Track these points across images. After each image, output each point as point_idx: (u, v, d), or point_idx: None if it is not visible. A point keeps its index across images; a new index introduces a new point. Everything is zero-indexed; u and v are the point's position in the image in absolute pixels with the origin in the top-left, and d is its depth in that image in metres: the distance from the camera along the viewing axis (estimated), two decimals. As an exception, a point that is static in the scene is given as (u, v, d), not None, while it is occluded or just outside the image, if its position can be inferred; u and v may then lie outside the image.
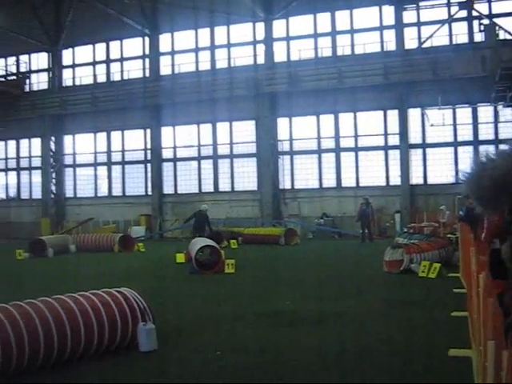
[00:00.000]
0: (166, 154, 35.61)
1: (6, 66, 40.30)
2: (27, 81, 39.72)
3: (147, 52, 35.92)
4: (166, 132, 35.47)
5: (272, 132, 32.49)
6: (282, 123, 32.88)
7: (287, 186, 32.89)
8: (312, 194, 32.19)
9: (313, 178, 32.41)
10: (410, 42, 30.42)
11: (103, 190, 37.73)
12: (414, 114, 30.37)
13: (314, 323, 9.24)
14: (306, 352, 7.54)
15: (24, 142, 39.96)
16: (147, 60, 35.98)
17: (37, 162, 39.19)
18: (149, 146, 35.84)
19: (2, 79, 39.42)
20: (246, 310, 10.53)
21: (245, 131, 33.63)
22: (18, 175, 40.40)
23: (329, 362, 7.04)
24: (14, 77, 39.89)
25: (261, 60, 32.99)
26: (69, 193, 38.70)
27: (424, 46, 29.94)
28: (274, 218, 31.74)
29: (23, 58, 40.03)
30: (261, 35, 32.91)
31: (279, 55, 32.78)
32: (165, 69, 35.53)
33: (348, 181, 31.71)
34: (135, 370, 6.96)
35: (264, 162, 32.42)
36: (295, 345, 7.95)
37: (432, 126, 29.44)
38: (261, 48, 33.02)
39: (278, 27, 32.75)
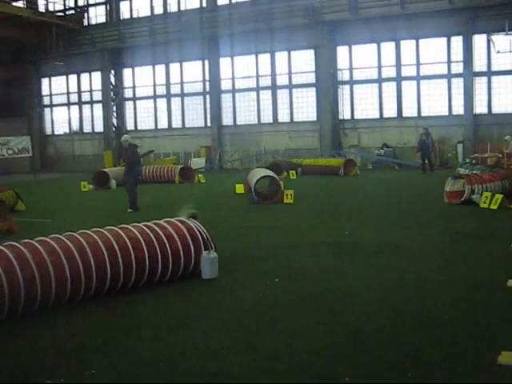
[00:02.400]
0: (225, 85, 35.52)
1: (64, 0, 40.48)
2: (86, 15, 39.88)
3: (203, -18, 35.46)
4: (225, 63, 35.28)
5: (331, 61, 31.94)
6: (342, 52, 32.22)
7: (347, 116, 32.52)
8: (372, 125, 31.77)
9: (373, 108, 31.89)
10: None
11: (163, 123, 38.08)
12: (479, 40, 29.23)
13: (373, 253, 9.29)
14: (364, 280, 7.62)
15: (85, 76, 40.48)
16: (204, -10, 35.55)
17: (98, 96, 39.76)
18: (207, 78, 35.81)
19: (61, 14, 39.64)
20: (305, 239, 10.67)
21: (303, 61, 33.15)
22: (80, 109, 41.14)
23: (387, 291, 7.10)
24: (73, 11, 40.07)
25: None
26: (129, 125, 39.27)
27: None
28: (333, 149, 31.56)
29: (81, -9, 40.12)
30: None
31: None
32: (222, -1, 35.08)
33: (409, 111, 31.10)
34: (199, 297, 7.19)
35: (323, 92, 32.03)
36: (354, 273, 8.05)
37: (498, 52, 28.37)
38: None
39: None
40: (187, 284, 7.68)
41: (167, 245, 7.56)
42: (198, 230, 7.98)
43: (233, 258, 9.05)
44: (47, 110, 42.65)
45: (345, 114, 32.52)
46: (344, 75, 32.42)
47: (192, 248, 7.76)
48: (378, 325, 5.90)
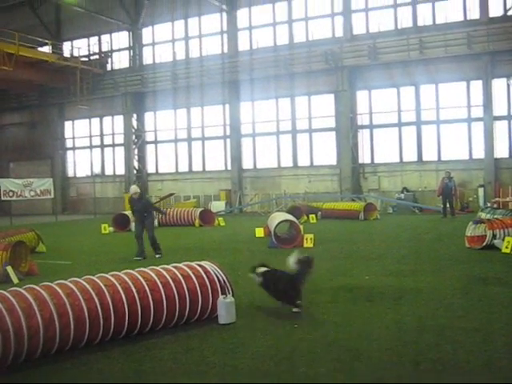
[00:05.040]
0: (245, 129, 35.82)
1: (89, 45, 41.42)
2: (109, 60, 40.71)
3: (225, 28, 36.09)
4: (245, 107, 35.65)
5: (351, 105, 32.15)
6: (361, 96, 32.45)
7: (367, 160, 32.58)
8: (392, 168, 31.76)
9: (393, 152, 31.91)
10: (495, 10, 29.28)
11: (184, 166, 38.35)
12: (498, 84, 29.32)
13: (393, 298, 9.19)
14: (384, 327, 7.51)
15: (107, 120, 41.12)
16: (225, 36, 36.16)
17: (120, 139, 40.29)
18: (228, 122, 36.16)
19: (86, 59, 40.50)
20: (325, 283, 10.58)
21: (323, 105, 33.39)
22: (102, 152, 41.65)
23: (407, 338, 6.99)
24: (97, 56, 40.93)
25: (339, 33, 32.58)
26: (151, 168, 39.63)
27: (510, 13, 28.84)
28: (353, 193, 31.54)
29: (105, 37, 41.06)
30: (339, 7, 32.47)
31: (358, 27, 32.25)
32: (243, 44, 35.60)
33: (429, 154, 31.08)
34: (215, 341, 7.14)
35: (343, 136, 32.19)
36: (373, 320, 7.94)
37: (518, 96, 28.44)
38: (339, 20, 32.60)
39: (356, -1, 32.27)
40: (204, 328, 7.64)
41: (185, 287, 7.56)
42: (216, 274, 7.97)
43: (251, 303, 8.99)
44: (70, 153, 43.23)
45: (364, 157, 32.59)
46: (364, 119, 32.59)
47: (210, 292, 7.75)
48: (397, 373, 5.81)
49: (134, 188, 16.16)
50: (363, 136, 32.66)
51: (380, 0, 31.77)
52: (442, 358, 6.16)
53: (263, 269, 8.86)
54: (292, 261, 8.32)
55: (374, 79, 31.62)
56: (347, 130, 31.95)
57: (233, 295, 7.93)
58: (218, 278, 7.94)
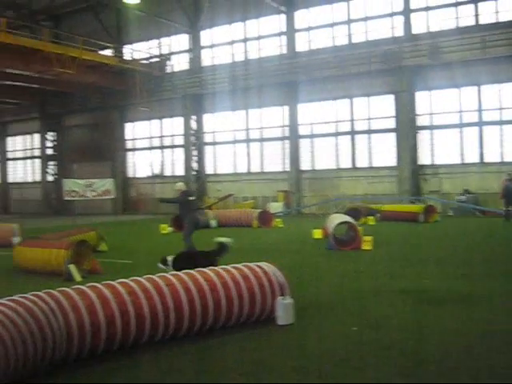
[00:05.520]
0: (303, 130, 35.74)
1: (149, 48, 42.07)
2: (168, 62, 41.24)
3: (283, 29, 36.09)
4: (303, 108, 35.57)
5: (411, 106, 31.67)
6: (421, 97, 31.92)
7: (427, 161, 32.03)
8: (453, 170, 31.11)
9: (454, 153, 31.28)
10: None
11: (242, 167, 38.54)
12: None
13: (456, 303, 9.02)
14: (447, 332, 7.37)
15: (167, 121, 41.68)
16: (283, 37, 36.17)
17: (179, 140, 40.80)
18: (286, 123, 36.14)
19: (146, 62, 41.15)
20: (384, 286, 10.47)
21: (383, 106, 33.01)
22: (162, 153, 42.26)
23: (472, 343, 6.84)
24: (157, 59, 41.52)
25: (399, 32, 32.17)
26: (209, 169, 39.95)
27: None
28: (412, 195, 31.07)
29: (164, 40, 41.63)
30: (399, 7, 32.07)
31: (418, 27, 31.75)
32: (301, 45, 35.54)
33: (491, 156, 30.33)
34: (273, 342, 7.15)
35: (403, 137, 31.76)
36: (436, 324, 7.80)
37: None
38: (398, 20, 32.20)
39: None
40: (263, 329, 7.65)
41: (244, 287, 7.61)
42: (274, 275, 7.99)
43: (309, 304, 8.97)
44: (130, 154, 44.00)
45: (424, 159, 32.06)
46: (424, 120, 32.08)
47: (268, 292, 7.78)
48: (458, 380, 5.69)
49: (181, 185, 15.92)
50: (423, 137, 32.15)
51: (442, -1, 31.26)
52: (507, 365, 6.02)
53: (171, 257, 10.98)
54: (217, 240, 10.99)
55: (435, 79, 31.06)
56: (407, 130, 31.51)
57: (291, 296, 7.93)
58: (276, 279, 7.95)
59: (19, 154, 52.07)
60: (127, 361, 6.54)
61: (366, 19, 33.36)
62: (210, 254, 10.86)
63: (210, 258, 10.59)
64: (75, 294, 6.59)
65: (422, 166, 31.95)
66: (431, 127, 31.87)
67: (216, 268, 7.91)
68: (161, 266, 10.88)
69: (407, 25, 31.71)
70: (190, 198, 15.24)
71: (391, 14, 32.56)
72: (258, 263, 8.28)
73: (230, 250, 10.94)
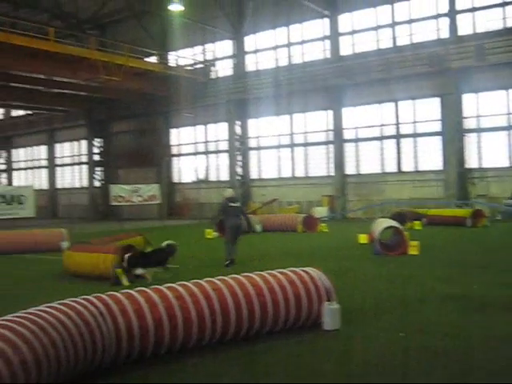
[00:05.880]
0: (348, 134, 35.57)
1: (194, 55, 42.46)
2: (213, 68, 41.53)
3: (327, 33, 36.02)
4: (348, 112, 35.41)
5: (457, 109, 31.21)
6: (468, 99, 31.42)
7: (474, 164, 31.51)
8: (501, 173, 30.51)
9: (502, 156, 30.68)
10: None
11: (286, 172, 38.52)
12: None
13: (504, 309, 8.83)
14: (495, 339, 7.24)
15: (211, 127, 41.98)
16: (327, 41, 36.09)
17: (223, 146, 41.03)
18: (330, 127, 36.01)
19: (191, 68, 41.53)
20: (431, 292, 10.34)
21: (428, 109, 32.62)
22: (207, 158, 42.55)
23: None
24: (201, 65, 41.85)
25: (444, 34, 31.77)
26: (254, 174, 40.05)
27: None
28: (459, 199, 30.60)
29: (209, 46, 41.99)
30: (444, 8, 31.68)
31: (464, 28, 31.30)
32: (345, 49, 35.40)
33: (542, 158, 29.71)
34: (319, 348, 7.13)
35: (449, 140, 31.31)
36: (484, 331, 7.66)
37: None
38: (444, 22, 31.80)
39: (462, -1, 31.37)
40: (309, 335, 7.63)
41: (290, 292, 7.61)
42: (321, 280, 7.97)
43: (355, 310, 8.91)
44: (175, 159, 44.42)
45: (472, 162, 31.54)
46: (471, 123, 31.57)
47: (315, 297, 7.76)
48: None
49: (231, 191, 16.25)
50: (470, 140, 31.64)
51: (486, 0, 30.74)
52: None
53: (127, 255, 12.48)
54: (165, 243, 13.48)
55: (482, 81, 30.53)
56: (453, 134, 31.06)
57: (337, 302, 7.89)
58: (323, 284, 7.93)
59: (67, 161, 53.11)
60: (175, 365, 6.60)
61: (410, 21, 33.09)
62: (159, 254, 13.18)
63: (161, 257, 13.05)
64: (124, 297, 6.69)
65: (470, 170, 31.45)
66: (478, 130, 31.34)
67: (262, 273, 7.92)
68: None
69: (453, 26, 31.31)
70: (232, 204, 15.39)
71: (436, 16, 32.23)
72: (304, 268, 8.27)
73: (177, 250, 13.63)
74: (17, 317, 5.69)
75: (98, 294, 6.76)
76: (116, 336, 6.27)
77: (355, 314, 8.63)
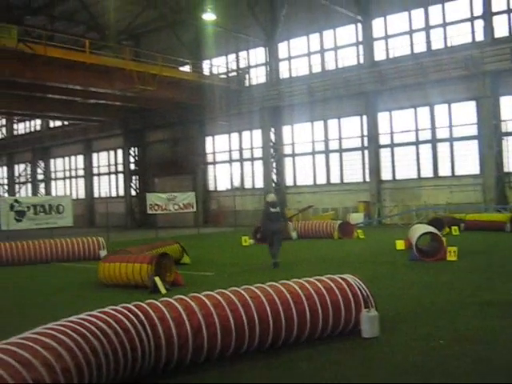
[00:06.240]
0: (383, 139, 35.35)
1: (227, 63, 42.67)
2: (247, 76, 41.69)
3: (360, 39, 35.92)
4: (383, 117, 35.20)
5: (494, 112, 30.79)
6: (505, 102, 30.96)
7: (512, 168, 31.03)
8: (541, 177, 30.02)
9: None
10: None
11: (322, 178, 38.42)
12: None
13: (546, 315, 8.70)
14: (538, 345, 7.14)
15: (246, 134, 42.08)
16: (361, 46, 35.97)
17: (258, 153, 41.09)
18: (365, 133, 35.83)
19: (224, 76, 41.75)
20: (470, 298, 10.20)
21: (464, 113, 32.24)
22: (242, 166, 42.65)
23: None
24: (235, 73, 42.04)
25: (479, 37, 31.40)
26: (289, 181, 40.03)
27: None
28: (498, 203, 30.15)
29: (242, 54, 42.21)
30: (479, 10, 31.33)
31: (500, 30, 30.89)
32: (379, 54, 35.24)
33: None
34: (358, 355, 7.08)
35: (486, 144, 30.88)
36: (526, 337, 7.55)
37: None
38: (479, 24, 31.43)
39: (497, 0, 30.90)
40: (348, 342, 7.58)
41: (328, 300, 7.58)
42: (359, 287, 7.93)
43: (394, 317, 8.84)
44: (210, 167, 44.65)
45: (510, 166, 31.05)
46: (509, 126, 31.10)
47: (353, 305, 7.72)
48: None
49: (272, 196, 16.83)
50: (508, 143, 31.17)
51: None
52: None
53: None
54: None
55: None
56: (490, 137, 30.63)
57: (376, 309, 7.84)
58: (360, 291, 7.89)
59: (103, 170, 53.78)
60: (213, 372, 6.63)
61: (444, 25, 32.77)
62: None
63: None
64: (162, 306, 6.75)
65: (508, 174, 30.97)
66: (517, 133, 30.88)
67: (300, 280, 7.92)
68: None
69: (488, 28, 30.92)
70: (272, 210, 15.89)
71: (471, 19, 31.85)
72: (342, 275, 8.24)
73: None
74: (58, 325, 5.77)
75: (138, 303, 6.82)
76: (155, 344, 6.33)
77: (394, 322, 8.56)
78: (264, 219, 16.21)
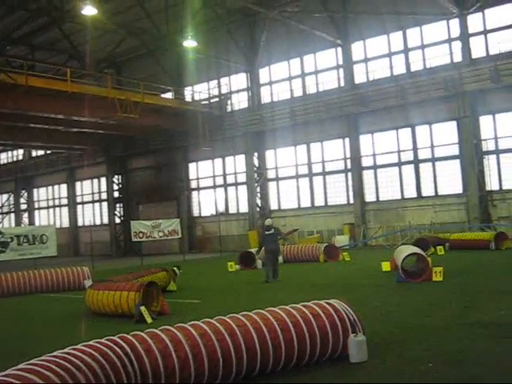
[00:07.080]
0: (366, 161, 35.53)
1: (209, 89, 42.83)
2: (229, 101, 41.85)
3: (340, 62, 36.23)
4: (365, 140, 35.42)
5: (474, 131, 31.08)
6: (485, 121, 31.29)
7: (495, 187, 31.24)
8: (523, 194, 30.24)
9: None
10: None
11: (306, 201, 38.46)
12: None
13: (534, 334, 8.70)
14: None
15: (229, 159, 42.13)
16: (341, 70, 36.28)
17: (242, 178, 41.10)
18: (348, 155, 36.00)
19: (206, 102, 41.88)
20: (457, 319, 10.19)
21: (445, 133, 32.52)
22: (226, 191, 42.62)
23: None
24: (217, 99, 42.18)
25: (457, 58, 31.80)
26: (273, 205, 40.04)
27: None
28: (481, 222, 30.32)
29: (224, 80, 42.40)
30: (456, 32, 31.76)
31: (477, 51, 31.30)
32: (359, 77, 35.56)
33: None
34: (348, 381, 7.02)
35: (468, 163, 31.12)
36: (514, 357, 7.54)
37: None
38: (456, 45, 31.84)
39: (473, 22, 31.34)
40: (336, 368, 7.52)
41: (315, 326, 7.54)
42: (345, 312, 7.89)
43: (382, 340, 8.80)
44: (194, 193, 44.58)
45: (492, 184, 31.28)
46: (489, 145, 31.39)
47: (340, 330, 7.68)
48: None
49: (269, 221, 19.69)
50: (489, 162, 31.43)
51: (499, 21, 30.73)
52: None
53: None
54: None
55: (498, 103, 30.40)
56: (472, 156, 30.88)
57: (363, 333, 7.80)
58: (347, 316, 7.85)
59: (87, 198, 53.52)
60: (202, 403, 6.55)
61: (423, 47, 33.17)
62: None
63: None
64: (148, 337, 6.67)
65: (491, 192, 31.18)
66: (497, 151, 31.13)
67: (286, 307, 7.87)
68: None
69: (466, 49, 31.29)
70: (267, 232, 18.67)
71: (448, 40, 32.28)
72: (329, 300, 8.20)
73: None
74: (43, 360, 5.69)
75: (123, 334, 6.74)
76: (142, 376, 6.24)
77: (382, 345, 8.52)
78: (261, 241, 19.32)
